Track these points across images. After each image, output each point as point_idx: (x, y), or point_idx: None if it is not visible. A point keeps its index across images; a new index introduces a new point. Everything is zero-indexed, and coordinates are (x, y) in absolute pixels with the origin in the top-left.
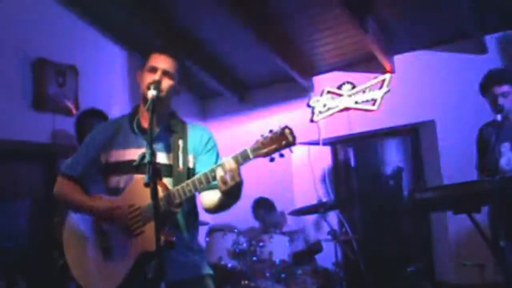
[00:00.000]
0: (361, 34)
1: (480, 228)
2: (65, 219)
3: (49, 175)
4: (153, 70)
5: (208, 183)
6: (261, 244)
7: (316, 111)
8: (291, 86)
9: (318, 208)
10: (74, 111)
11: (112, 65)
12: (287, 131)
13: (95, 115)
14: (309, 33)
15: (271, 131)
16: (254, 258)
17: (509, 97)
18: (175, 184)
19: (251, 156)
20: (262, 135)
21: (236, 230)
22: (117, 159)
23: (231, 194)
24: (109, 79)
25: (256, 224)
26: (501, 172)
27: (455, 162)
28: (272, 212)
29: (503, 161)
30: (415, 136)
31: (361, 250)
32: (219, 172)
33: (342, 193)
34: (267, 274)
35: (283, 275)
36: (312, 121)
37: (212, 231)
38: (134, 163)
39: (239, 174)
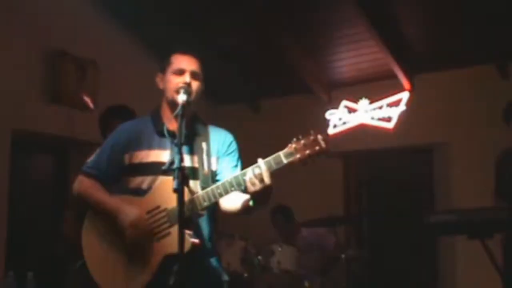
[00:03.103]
0: (383, 51)
1: (493, 255)
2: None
3: (61, 168)
4: (180, 72)
5: (239, 186)
6: (269, 253)
7: (331, 124)
8: (307, 97)
9: (329, 221)
10: (91, 106)
11: (132, 63)
12: (320, 137)
13: (123, 113)
14: (331, 46)
15: (302, 137)
16: (262, 267)
17: None
18: (202, 186)
19: (284, 161)
20: (294, 140)
21: (245, 238)
22: (140, 160)
23: (259, 198)
24: (129, 77)
25: (265, 232)
26: None
27: (467, 186)
28: (290, 220)
29: None
30: (429, 157)
31: (368, 266)
32: (249, 175)
33: (352, 208)
34: (274, 284)
35: (289, 286)
36: (327, 134)
37: (221, 236)
38: (163, 167)
39: (269, 177)
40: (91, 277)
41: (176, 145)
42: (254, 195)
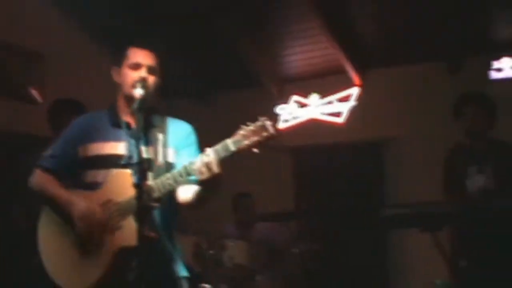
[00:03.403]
0: (334, 46)
1: (442, 247)
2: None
3: (7, 163)
4: (137, 66)
5: (188, 175)
6: (221, 248)
7: (282, 118)
8: (258, 91)
9: (281, 216)
10: (39, 100)
11: (81, 55)
12: (268, 123)
13: (72, 106)
14: (283, 41)
15: (250, 124)
16: (214, 262)
17: (480, 120)
18: (155, 177)
19: (232, 148)
20: (242, 127)
21: (197, 232)
22: (95, 152)
23: (209, 186)
24: (78, 70)
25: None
26: (467, 194)
27: (416, 180)
28: (251, 208)
29: (469, 184)
30: (378, 151)
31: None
32: (197, 164)
33: (303, 202)
34: (226, 279)
35: (241, 281)
36: (277, 128)
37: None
38: (122, 162)
39: (217, 165)
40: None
41: (133, 137)
42: (204, 184)
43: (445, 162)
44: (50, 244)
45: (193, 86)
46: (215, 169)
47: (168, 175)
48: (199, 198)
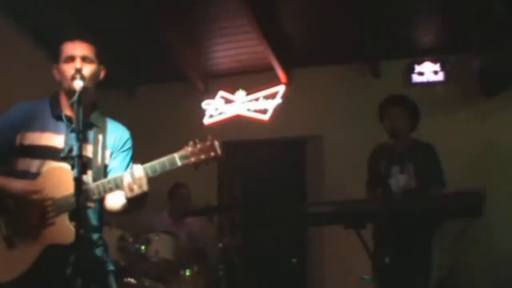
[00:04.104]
0: (262, 44)
1: (366, 244)
2: None
3: None
4: (71, 59)
5: (117, 188)
6: (146, 241)
7: (207, 113)
8: (184, 85)
9: (204, 211)
10: None
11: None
12: (216, 143)
13: None
14: (211, 36)
15: (198, 141)
16: (139, 256)
17: (402, 122)
18: (94, 178)
19: (179, 163)
20: (190, 143)
21: (121, 226)
22: (32, 142)
23: (136, 202)
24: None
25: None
26: (389, 192)
27: (339, 178)
28: (189, 200)
29: (391, 182)
30: (302, 149)
31: (241, 255)
32: (127, 179)
33: (226, 197)
34: (151, 273)
35: (166, 275)
36: (203, 123)
37: None
38: (62, 155)
39: (146, 184)
40: None
41: (73, 131)
42: (132, 200)
43: (369, 162)
44: None
45: (118, 77)
46: (145, 187)
47: (110, 179)
48: (125, 210)
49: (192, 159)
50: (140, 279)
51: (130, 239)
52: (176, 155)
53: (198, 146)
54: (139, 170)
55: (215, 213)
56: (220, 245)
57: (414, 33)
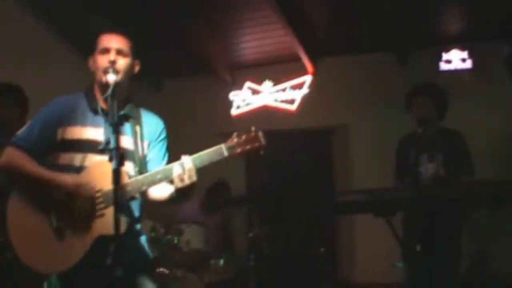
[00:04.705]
0: (288, 34)
1: (396, 232)
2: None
3: None
4: (106, 51)
5: (167, 179)
6: (178, 232)
7: (235, 105)
8: (211, 77)
9: (233, 201)
10: None
11: (30, 39)
12: (260, 134)
13: (9, 91)
14: (237, 28)
15: (244, 132)
16: (170, 246)
17: (430, 110)
18: (138, 170)
19: (226, 153)
20: (235, 134)
21: (153, 217)
22: (73, 136)
23: (185, 192)
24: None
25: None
26: (418, 181)
27: (366, 167)
28: (229, 194)
29: (421, 171)
30: (329, 138)
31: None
32: (177, 170)
33: (254, 188)
34: (182, 263)
35: (197, 264)
36: (230, 115)
37: None
38: (99, 148)
39: (196, 174)
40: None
41: (110, 124)
42: (181, 190)
43: (397, 150)
44: (21, 225)
45: (144, 71)
46: (194, 178)
47: (159, 169)
48: (172, 200)
49: (238, 150)
50: (172, 269)
51: (162, 230)
52: (223, 146)
53: (243, 137)
54: (188, 161)
55: (244, 203)
56: (250, 235)
57: (441, 20)
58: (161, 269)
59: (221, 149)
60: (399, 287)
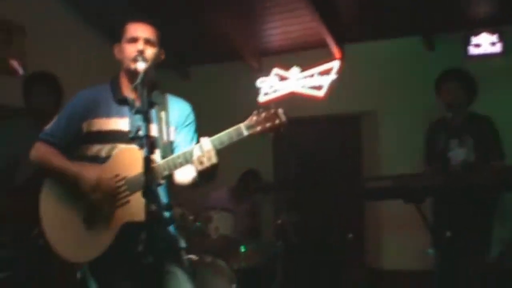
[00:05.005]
0: (315, 20)
1: (425, 218)
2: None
3: None
4: (134, 40)
5: (187, 163)
6: (207, 219)
7: (262, 91)
8: (238, 64)
9: (262, 188)
10: (20, 72)
11: (63, 28)
12: (280, 111)
13: (45, 79)
14: (264, 14)
15: (263, 110)
16: (199, 233)
17: (459, 95)
18: (162, 156)
19: (245, 133)
20: (255, 112)
21: (181, 204)
22: (99, 128)
23: (206, 175)
24: (59, 43)
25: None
26: (448, 166)
27: (394, 153)
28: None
29: (450, 156)
30: (357, 125)
31: (298, 231)
32: (196, 152)
33: (282, 175)
34: (211, 249)
35: (226, 251)
36: (257, 102)
37: None
38: (130, 136)
39: (215, 156)
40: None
41: (138, 112)
42: (202, 173)
43: (426, 136)
44: (53, 216)
45: (171, 59)
46: (214, 159)
47: (179, 153)
48: (195, 184)
49: (258, 128)
50: (201, 255)
51: (191, 217)
52: (242, 125)
53: (263, 114)
54: (207, 143)
55: (272, 190)
56: (278, 222)
57: (470, 3)
58: (190, 256)
59: (240, 129)
60: (429, 275)
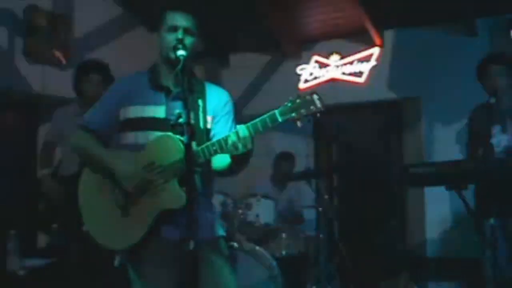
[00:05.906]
0: (355, 6)
1: (468, 204)
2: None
3: (31, 125)
4: (174, 29)
5: (222, 150)
6: (247, 207)
7: (302, 79)
8: (278, 52)
9: (303, 175)
10: (63, 62)
11: (106, 18)
12: (315, 96)
13: (97, 67)
14: (303, 1)
15: (298, 96)
16: (240, 220)
17: (502, 80)
18: (197, 143)
19: (280, 119)
20: (290, 98)
21: (223, 192)
22: (136, 115)
23: (241, 161)
24: (103, 32)
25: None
26: (491, 152)
27: (436, 139)
28: (293, 165)
29: (493, 142)
30: (398, 111)
31: (340, 218)
32: (232, 138)
33: (323, 161)
34: (252, 237)
35: (267, 238)
36: (298, 89)
37: None
38: (171, 122)
39: (251, 142)
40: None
41: (176, 99)
42: (236, 158)
43: (469, 122)
44: (91, 203)
45: (210, 47)
46: (249, 145)
47: (214, 141)
48: (231, 170)
49: (293, 114)
50: (242, 243)
51: (231, 204)
52: (276, 111)
53: (298, 101)
54: (243, 130)
55: (313, 177)
56: (319, 209)
57: None
58: (231, 243)
59: (275, 115)
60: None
